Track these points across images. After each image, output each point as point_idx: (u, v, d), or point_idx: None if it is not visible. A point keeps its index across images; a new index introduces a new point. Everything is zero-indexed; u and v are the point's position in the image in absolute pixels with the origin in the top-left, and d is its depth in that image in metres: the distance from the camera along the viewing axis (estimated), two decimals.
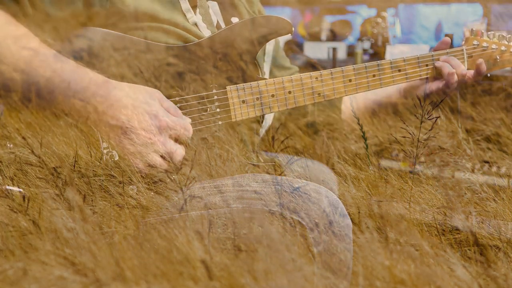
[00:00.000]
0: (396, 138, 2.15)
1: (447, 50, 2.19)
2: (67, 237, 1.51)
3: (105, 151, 1.78)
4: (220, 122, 1.94)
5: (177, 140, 1.79)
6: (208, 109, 1.92)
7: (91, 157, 1.75)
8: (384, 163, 3.09)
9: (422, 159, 2.01)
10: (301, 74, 2.04)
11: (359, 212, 1.77)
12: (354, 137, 2.47)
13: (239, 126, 2.03)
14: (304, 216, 1.69)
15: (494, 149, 2.48)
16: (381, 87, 2.12)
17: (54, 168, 1.69)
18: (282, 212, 1.69)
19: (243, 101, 1.97)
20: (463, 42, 2.24)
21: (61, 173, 1.68)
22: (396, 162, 2.34)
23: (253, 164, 1.96)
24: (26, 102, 1.71)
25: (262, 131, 2.18)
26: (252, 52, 1.96)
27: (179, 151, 1.77)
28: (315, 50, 3.37)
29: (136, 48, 1.83)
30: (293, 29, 2.02)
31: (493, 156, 2.42)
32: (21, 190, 1.70)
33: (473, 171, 2.04)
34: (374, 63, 2.11)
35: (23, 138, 1.70)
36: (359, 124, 2.02)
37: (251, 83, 1.97)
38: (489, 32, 2.20)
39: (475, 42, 2.19)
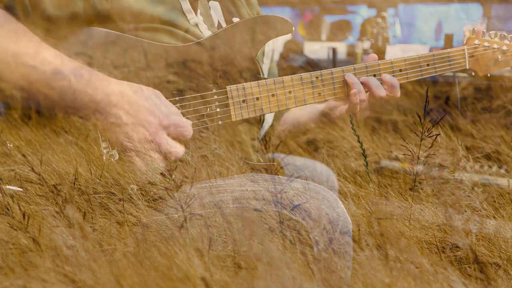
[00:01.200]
0: (396, 156, 2.15)
1: (448, 50, 2.18)
2: (67, 255, 1.51)
3: (104, 151, 1.78)
4: (220, 122, 1.94)
5: (175, 139, 1.79)
6: (208, 109, 1.92)
7: (91, 174, 1.75)
8: (384, 163, 3.09)
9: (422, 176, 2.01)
10: (301, 74, 2.04)
11: (359, 230, 1.77)
12: (354, 154, 2.48)
13: (240, 126, 2.03)
14: (305, 233, 1.69)
15: (494, 167, 2.49)
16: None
17: (54, 185, 1.69)
18: (282, 230, 1.68)
19: (243, 101, 1.97)
20: (464, 42, 2.23)
21: (61, 191, 1.68)
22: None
23: (252, 164, 1.96)
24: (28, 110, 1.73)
25: (262, 131, 2.18)
26: (252, 51, 1.97)
27: (178, 150, 1.78)
28: (315, 50, 3.37)
29: (136, 48, 1.83)
30: (293, 29, 2.02)
31: (493, 174, 2.42)
32: (21, 189, 1.71)
33: (473, 188, 2.04)
34: (373, 63, 2.12)
35: (23, 155, 1.70)
36: (359, 141, 2.02)
37: (251, 82, 1.97)
38: (490, 32, 2.19)
39: (476, 42, 2.18)
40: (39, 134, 1.75)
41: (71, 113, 1.73)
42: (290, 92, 2.01)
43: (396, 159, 3.04)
